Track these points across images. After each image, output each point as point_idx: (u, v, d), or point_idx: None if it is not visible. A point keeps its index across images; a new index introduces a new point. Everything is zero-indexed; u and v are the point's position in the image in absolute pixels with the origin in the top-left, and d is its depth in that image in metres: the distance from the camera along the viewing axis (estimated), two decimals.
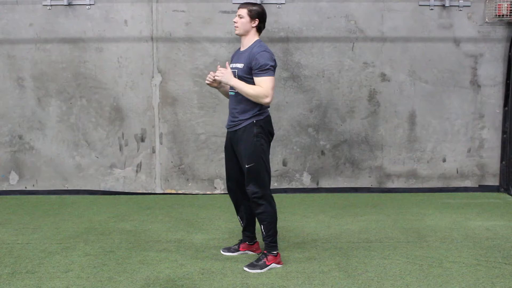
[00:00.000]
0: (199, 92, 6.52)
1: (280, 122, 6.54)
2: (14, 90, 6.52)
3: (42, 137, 6.60)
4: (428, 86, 6.59)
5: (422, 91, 6.60)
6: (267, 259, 4.17)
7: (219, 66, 4.24)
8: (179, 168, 6.65)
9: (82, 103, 6.54)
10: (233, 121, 4.17)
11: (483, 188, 6.77)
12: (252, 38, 4.15)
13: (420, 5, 6.47)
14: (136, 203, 6.26)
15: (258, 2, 4.31)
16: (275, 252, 4.21)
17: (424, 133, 6.67)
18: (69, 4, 6.38)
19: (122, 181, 6.65)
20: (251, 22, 4.11)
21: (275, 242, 4.23)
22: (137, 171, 6.65)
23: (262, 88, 3.98)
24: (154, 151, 6.62)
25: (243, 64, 4.07)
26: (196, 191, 6.68)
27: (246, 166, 4.10)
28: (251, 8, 4.11)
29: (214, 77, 4.20)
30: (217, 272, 4.10)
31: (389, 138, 6.67)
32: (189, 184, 6.67)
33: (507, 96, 6.59)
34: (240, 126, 4.12)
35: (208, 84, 4.28)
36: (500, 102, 6.65)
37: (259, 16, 4.13)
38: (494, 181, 6.79)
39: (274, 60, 4.07)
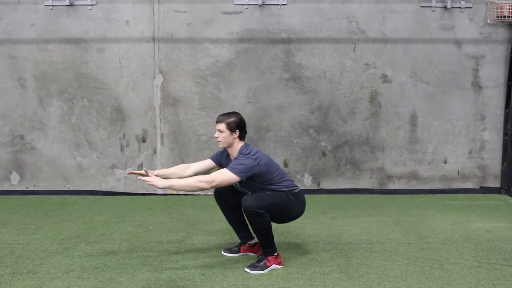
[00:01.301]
0: (200, 92, 6.52)
1: (281, 123, 6.54)
2: (16, 90, 6.53)
3: (43, 137, 6.60)
4: (429, 88, 6.59)
5: (423, 93, 6.60)
6: (268, 260, 4.16)
7: (143, 170, 4.16)
8: None
9: (83, 104, 6.54)
10: None
11: (484, 190, 6.77)
12: (237, 146, 4.14)
13: (421, 6, 6.47)
14: (137, 204, 6.25)
15: (235, 112, 4.27)
16: (275, 253, 4.21)
17: (425, 134, 6.67)
18: (71, 5, 6.38)
19: (123, 181, 6.66)
20: (232, 134, 4.10)
21: (272, 247, 4.20)
22: None
23: (207, 176, 3.97)
24: (155, 152, 6.62)
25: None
26: (197, 192, 6.67)
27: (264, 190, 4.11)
28: (228, 121, 4.08)
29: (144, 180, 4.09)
30: (218, 273, 4.09)
31: (390, 140, 6.67)
32: None
33: (508, 97, 6.58)
34: None
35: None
36: (502, 103, 6.65)
37: (239, 127, 4.11)
38: (495, 183, 6.78)
39: (251, 167, 3.98)
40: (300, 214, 4.32)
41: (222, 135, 4.11)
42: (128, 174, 4.25)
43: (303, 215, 5.69)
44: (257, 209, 3.98)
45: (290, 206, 4.19)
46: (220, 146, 4.19)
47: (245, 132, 4.20)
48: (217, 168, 4.30)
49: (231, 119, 4.12)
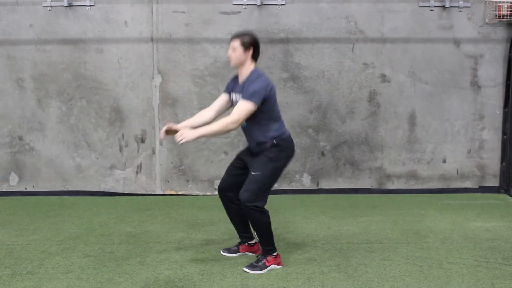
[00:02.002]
0: (199, 93, 6.52)
1: None
2: (14, 91, 6.53)
3: (42, 138, 6.60)
4: (428, 87, 6.59)
5: (422, 92, 6.60)
6: (267, 260, 4.17)
7: (167, 126, 4.18)
8: (179, 169, 6.64)
9: (82, 104, 6.54)
10: (255, 147, 4.19)
11: (483, 189, 6.77)
12: (248, 67, 4.14)
13: (420, 6, 6.48)
14: (136, 204, 6.26)
15: (249, 31, 4.30)
16: (274, 253, 4.21)
17: (424, 134, 6.67)
18: (69, 5, 6.38)
19: (122, 182, 6.65)
20: (245, 52, 4.09)
21: (272, 245, 4.22)
22: (137, 172, 6.65)
23: (228, 117, 3.98)
24: (154, 152, 6.62)
25: (241, 95, 4.07)
26: (196, 192, 6.68)
27: (252, 173, 4.09)
28: (243, 38, 4.09)
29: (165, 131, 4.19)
30: (217, 273, 4.10)
31: (389, 139, 6.67)
32: (189, 185, 6.67)
33: (507, 97, 6.58)
34: (262, 148, 4.14)
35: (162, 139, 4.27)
36: (500, 103, 6.65)
37: (253, 45, 4.11)
38: (494, 182, 6.78)
39: (266, 88, 4.03)
40: (290, 160, 4.29)
41: (235, 52, 4.10)
42: (162, 140, 4.27)
43: (303, 216, 5.72)
44: (255, 202, 4.02)
45: (279, 164, 4.16)
46: (232, 64, 4.16)
47: (258, 53, 4.18)
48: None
49: (246, 37, 4.11)
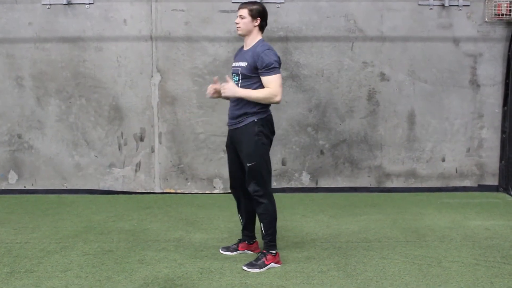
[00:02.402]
0: (198, 91, 6.52)
1: (279, 122, 6.53)
2: (13, 89, 6.52)
3: (41, 136, 6.59)
4: (427, 86, 6.59)
5: (421, 91, 6.60)
6: (266, 259, 4.17)
7: (216, 78, 4.25)
8: (178, 167, 6.64)
9: (81, 102, 6.54)
10: (234, 120, 4.17)
11: (482, 188, 6.77)
12: (255, 37, 4.15)
13: (419, 4, 6.47)
14: (135, 203, 6.25)
15: (258, 1, 4.30)
16: (274, 252, 4.22)
17: (423, 132, 6.67)
18: (68, 3, 6.37)
19: (121, 180, 6.65)
20: (253, 21, 4.11)
21: (274, 241, 4.23)
22: (136, 171, 6.64)
23: (270, 88, 4.01)
24: (153, 151, 6.62)
25: (246, 63, 4.06)
26: (195, 191, 6.68)
27: (248, 165, 4.11)
28: (251, 7, 4.10)
29: (214, 89, 4.24)
30: (216, 272, 4.10)
31: (389, 138, 6.67)
32: (188, 184, 6.67)
33: (506, 95, 6.59)
34: (241, 125, 4.12)
35: (209, 96, 4.30)
36: (500, 101, 6.65)
37: (261, 15, 4.13)
38: (493, 181, 6.79)
39: (279, 58, 4.10)
40: (273, 135, 4.29)
41: (243, 21, 4.10)
42: (210, 96, 4.29)
43: (302, 214, 5.73)
44: (261, 191, 4.12)
45: (264, 142, 4.15)
46: (239, 32, 4.16)
47: (266, 23, 4.20)
48: None
49: (254, 6, 4.12)
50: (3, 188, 6.66)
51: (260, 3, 4.21)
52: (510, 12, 6.32)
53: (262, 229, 4.19)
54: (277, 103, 4.10)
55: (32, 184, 6.67)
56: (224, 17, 6.43)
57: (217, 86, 4.28)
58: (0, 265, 4.20)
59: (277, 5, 6.42)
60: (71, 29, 6.43)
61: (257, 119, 4.09)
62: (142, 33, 6.45)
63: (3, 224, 5.37)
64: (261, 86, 4.07)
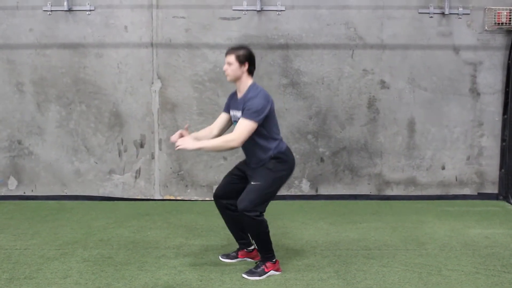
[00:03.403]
0: (198, 98, 6.52)
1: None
2: (14, 95, 6.52)
3: (41, 142, 6.59)
4: (427, 94, 6.60)
5: (421, 99, 6.61)
6: (266, 266, 4.16)
7: (186, 126, 4.24)
8: (178, 174, 6.64)
9: (81, 109, 6.54)
10: (252, 163, 4.21)
11: (482, 196, 6.77)
12: (246, 82, 4.14)
13: (419, 12, 6.49)
14: (135, 209, 6.25)
15: (244, 45, 4.32)
16: (273, 260, 4.21)
17: (423, 140, 6.68)
18: (69, 10, 6.38)
19: (121, 187, 6.65)
20: (241, 67, 4.09)
21: (270, 252, 4.21)
22: (136, 177, 6.64)
23: (233, 132, 4.00)
24: (153, 157, 6.62)
25: (241, 112, 4.07)
26: (195, 197, 6.68)
27: (252, 183, 4.09)
28: (238, 53, 4.09)
29: (179, 136, 4.20)
30: (215, 279, 4.09)
31: (388, 146, 6.67)
32: (188, 191, 6.67)
33: (506, 104, 6.59)
34: (261, 164, 4.17)
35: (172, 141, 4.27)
36: (499, 110, 6.66)
37: (248, 59, 4.11)
38: (493, 189, 6.78)
39: (267, 101, 4.05)
40: (291, 172, 4.30)
41: (231, 67, 4.10)
42: (175, 146, 4.29)
43: (302, 222, 5.72)
44: (253, 212, 3.99)
45: (280, 175, 4.16)
46: (229, 79, 4.16)
47: (254, 67, 4.18)
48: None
49: (241, 52, 4.11)
50: (2, 194, 6.65)
51: (247, 48, 4.19)
52: (510, 20, 6.34)
53: (255, 244, 4.19)
54: (231, 148, 4.06)
55: (32, 190, 6.66)
56: (225, 24, 6.45)
57: (183, 133, 4.24)
58: (0, 272, 4.19)
59: (277, 12, 6.44)
60: (71, 35, 6.44)
61: (273, 154, 4.13)
62: (143, 39, 6.46)
63: (3, 230, 5.36)
64: (267, 126, 4.09)
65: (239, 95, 4.17)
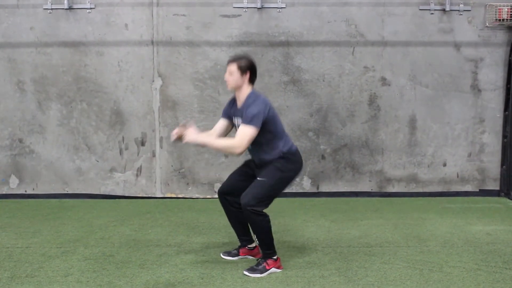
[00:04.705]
0: (199, 96, 6.52)
1: None
2: (15, 93, 6.53)
3: (42, 140, 6.59)
4: (428, 91, 6.59)
5: (422, 96, 6.60)
6: (267, 264, 4.16)
7: (185, 122, 4.25)
8: (179, 172, 6.64)
9: (82, 107, 6.54)
10: (262, 165, 4.21)
11: (483, 193, 6.76)
12: (245, 91, 4.14)
13: (420, 9, 6.48)
14: (136, 207, 6.25)
15: (246, 55, 4.33)
16: (275, 257, 4.21)
17: (424, 137, 6.67)
18: (70, 8, 6.38)
19: (122, 185, 6.65)
20: (242, 76, 4.10)
21: (272, 249, 4.21)
22: (137, 175, 6.64)
23: (232, 141, 4.00)
24: (154, 155, 6.62)
25: (241, 119, 4.08)
26: (196, 195, 6.68)
27: (258, 178, 4.10)
28: (240, 62, 4.10)
29: (178, 133, 4.17)
30: (217, 277, 4.09)
31: (390, 143, 6.66)
32: (189, 188, 6.67)
33: (507, 100, 6.58)
34: (269, 163, 4.17)
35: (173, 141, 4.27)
36: (501, 106, 6.65)
37: (250, 69, 4.12)
38: (494, 186, 6.78)
39: (266, 106, 4.05)
40: (298, 174, 4.31)
41: (233, 77, 4.11)
42: (173, 140, 4.27)
43: (303, 219, 5.72)
44: (256, 207, 4.01)
45: (286, 175, 4.17)
46: (229, 88, 4.17)
47: (255, 76, 4.19)
48: (231, 122, 4.33)
49: (243, 61, 4.12)
50: (4, 193, 6.66)
51: (248, 57, 4.22)
52: (511, 16, 6.33)
53: (257, 240, 4.19)
54: (236, 155, 4.09)
55: (33, 189, 6.67)
56: (225, 21, 6.44)
57: (182, 130, 4.24)
58: (1, 270, 4.20)
59: (278, 10, 6.43)
60: (72, 33, 6.44)
61: (283, 153, 4.14)
62: (144, 37, 6.45)
63: (4, 229, 5.36)
64: (268, 134, 4.09)
65: (239, 104, 4.18)
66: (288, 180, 4.22)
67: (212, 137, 4.18)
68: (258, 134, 4.03)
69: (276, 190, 4.14)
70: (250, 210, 4.00)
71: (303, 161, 4.17)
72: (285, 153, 4.15)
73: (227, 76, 4.13)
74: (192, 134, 4.04)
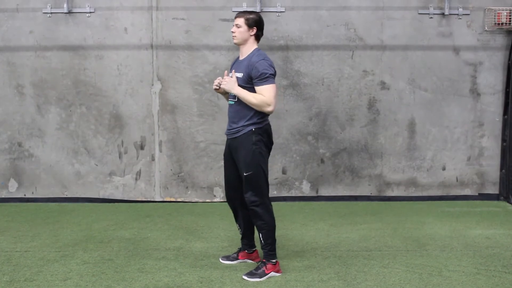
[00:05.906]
0: (198, 99, 6.52)
1: (279, 130, 6.54)
2: (14, 97, 6.53)
3: (41, 144, 6.59)
4: (427, 94, 6.60)
5: (421, 99, 6.60)
6: (266, 268, 4.16)
7: (226, 72, 4.26)
8: (178, 176, 6.64)
9: (81, 111, 6.54)
10: (233, 128, 4.18)
11: (483, 197, 6.76)
12: (250, 46, 4.17)
13: (419, 13, 6.49)
14: (135, 211, 6.25)
15: (255, 10, 4.34)
16: (274, 261, 4.21)
17: (423, 141, 6.67)
18: (69, 12, 6.39)
19: (122, 189, 6.65)
20: (248, 30, 4.13)
21: (274, 250, 4.22)
22: (136, 179, 6.64)
23: (264, 96, 4.01)
24: (153, 159, 6.62)
25: (242, 74, 4.09)
26: (196, 199, 6.67)
27: (245, 174, 4.11)
28: (248, 16, 4.13)
29: (219, 83, 4.23)
30: (216, 281, 4.09)
31: (389, 146, 6.66)
32: (189, 192, 6.67)
33: (506, 104, 6.59)
34: (239, 134, 4.13)
35: (215, 89, 4.29)
36: (500, 110, 6.65)
37: (257, 24, 4.15)
38: (494, 190, 6.78)
39: (273, 68, 4.09)
40: (271, 146, 4.30)
41: (239, 30, 4.13)
42: (214, 88, 4.31)
43: (302, 223, 5.72)
44: (260, 199, 4.10)
45: (261, 151, 4.15)
46: (235, 41, 4.19)
47: (262, 33, 4.22)
48: None
49: (251, 16, 4.15)
50: (3, 196, 6.65)
51: (256, 13, 4.25)
52: (510, 20, 6.34)
53: (261, 239, 4.19)
54: (269, 113, 4.11)
55: (32, 192, 6.66)
56: (225, 25, 6.45)
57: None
58: (0, 274, 4.19)
59: (277, 14, 6.44)
60: (71, 37, 6.45)
61: (254, 129, 4.10)
62: (143, 41, 6.46)
63: (3, 233, 5.36)
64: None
65: (241, 57, 4.20)
66: (266, 156, 4.21)
67: (246, 91, 4.09)
68: (249, 90, 4.07)
69: (265, 172, 4.16)
70: (256, 205, 4.09)
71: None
72: (257, 128, 4.11)
73: (234, 29, 4.15)
74: (230, 83, 4.09)
